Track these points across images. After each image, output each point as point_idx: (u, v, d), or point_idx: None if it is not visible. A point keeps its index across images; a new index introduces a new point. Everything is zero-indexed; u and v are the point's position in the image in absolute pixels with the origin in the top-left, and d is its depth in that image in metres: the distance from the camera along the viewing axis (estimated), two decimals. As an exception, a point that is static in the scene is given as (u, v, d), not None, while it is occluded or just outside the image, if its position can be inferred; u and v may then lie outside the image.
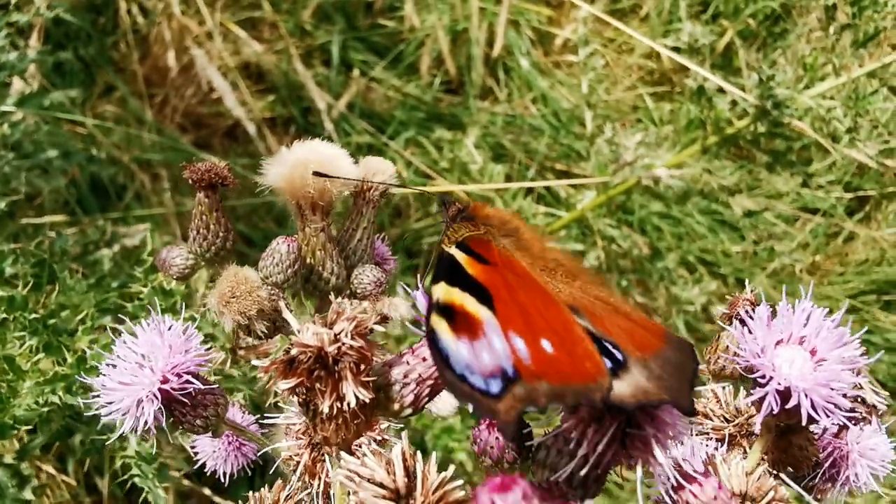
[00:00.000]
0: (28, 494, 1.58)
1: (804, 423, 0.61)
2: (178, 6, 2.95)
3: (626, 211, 3.08)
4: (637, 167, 2.37)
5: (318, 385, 0.59)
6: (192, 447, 1.01)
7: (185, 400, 0.73)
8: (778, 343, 0.62)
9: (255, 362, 0.80)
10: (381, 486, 0.55)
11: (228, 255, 0.85)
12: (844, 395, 0.60)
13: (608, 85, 3.31)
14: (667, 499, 0.59)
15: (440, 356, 0.52)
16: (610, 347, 0.54)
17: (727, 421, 0.86)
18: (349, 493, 0.57)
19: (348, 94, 3.03)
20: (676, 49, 2.75)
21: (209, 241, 0.83)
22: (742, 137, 2.58)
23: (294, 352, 0.58)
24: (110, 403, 0.73)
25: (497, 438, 0.66)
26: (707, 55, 3.08)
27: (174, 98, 3.08)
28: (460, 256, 0.59)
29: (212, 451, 0.98)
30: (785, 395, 0.62)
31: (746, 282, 0.88)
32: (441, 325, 0.53)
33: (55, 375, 1.19)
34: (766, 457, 0.75)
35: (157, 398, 0.71)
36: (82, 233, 2.05)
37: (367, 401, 0.59)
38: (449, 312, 0.53)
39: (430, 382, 0.62)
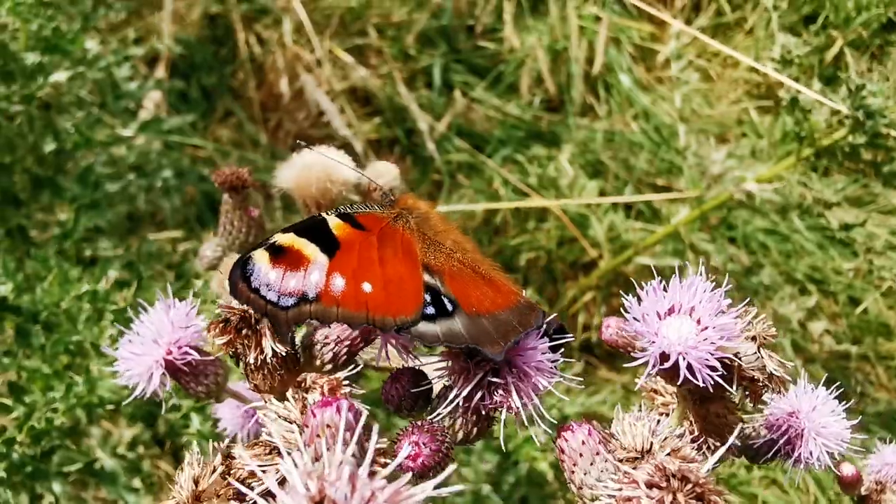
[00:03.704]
0: (137, 483, 1.87)
1: (679, 382, 0.76)
2: (291, 36, 3.55)
3: (729, 227, 3.41)
4: (726, 181, 2.72)
5: (245, 341, 0.83)
6: (215, 413, 1.23)
7: (186, 369, 0.94)
8: (670, 312, 0.79)
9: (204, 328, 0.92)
10: (287, 420, 0.74)
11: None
12: (720, 360, 0.76)
13: (713, 99, 3.67)
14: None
15: (242, 274, 0.77)
16: (446, 301, 0.78)
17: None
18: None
19: (449, 115, 3.54)
20: (788, 62, 3.07)
21: (233, 236, 1.05)
22: (840, 150, 2.85)
23: (225, 314, 0.81)
24: (127, 370, 0.96)
25: (397, 389, 0.84)
26: (816, 66, 3.40)
27: (287, 122, 3.68)
28: (333, 221, 0.83)
29: (230, 418, 1.18)
30: (665, 358, 0.77)
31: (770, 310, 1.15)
32: (261, 256, 0.78)
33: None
34: (691, 426, 0.89)
35: (161, 366, 0.94)
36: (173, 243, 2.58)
37: (283, 353, 0.83)
38: (279, 250, 0.78)
39: (347, 343, 0.86)
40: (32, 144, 2.21)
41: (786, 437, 0.97)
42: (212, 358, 0.95)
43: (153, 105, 3.25)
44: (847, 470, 1.18)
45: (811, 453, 0.96)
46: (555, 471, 2.48)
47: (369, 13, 3.70)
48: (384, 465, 0.41)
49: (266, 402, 0.82)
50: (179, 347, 0.94)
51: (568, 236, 3.26)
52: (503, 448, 0.80)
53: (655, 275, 0.87)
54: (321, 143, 3.80)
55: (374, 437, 0.44)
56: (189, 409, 1.52)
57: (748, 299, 0.87)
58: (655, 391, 0.99)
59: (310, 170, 0.97)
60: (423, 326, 0.77)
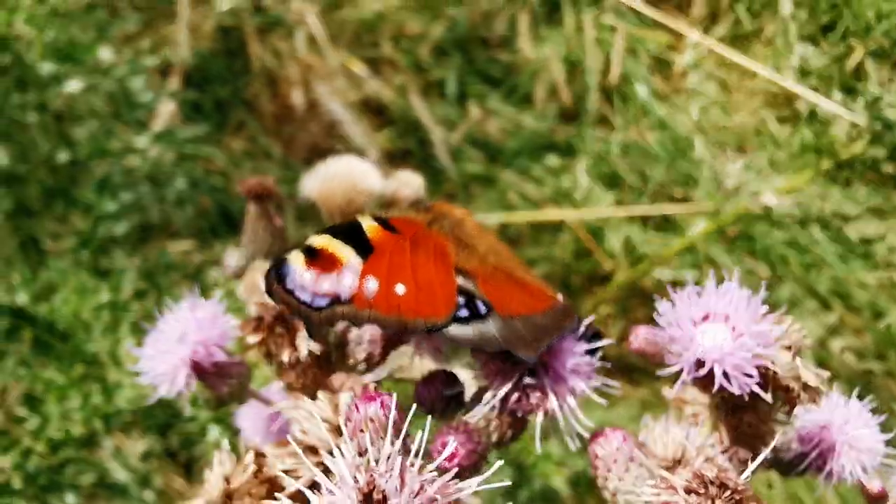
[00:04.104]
0: (149, 496, 1.98)
1: (714, 389, 0.76)
2: (304, 48, 3.58)
3: (748, 239, 3.40)
4: (742, 193, 2.72)
5: (279, 339, 0.85)
6: (237, 422, 1.24)
7: (212, 369, 0.94)
8: (704, 319, 0.79)
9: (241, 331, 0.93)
10: (322, 419, 0.73)
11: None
12: (757, 367, 0.76)
13: (730, 109, 3.66)
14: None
15: (277, 275, 0.79)
16: (479, 304, 0.79)
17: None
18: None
19: (464, 126, 3.55)
20: (807, 72, 3.07)
21: (257, 245, 1.06)
22: (861, 162, 2.85)
23: (259, 312, 0.83)
24: (151, 370, 0.95)
25: (430, 391, 0.86)
26: (836, 76, 3.40)
27: (300, 133, 3.70)
28: (367, 224, 0.85)
29: (252, 426, 1.19)
30: (700, 365, 0.77)
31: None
32: (296, 257, 0.80)
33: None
34: (723, 436, 0.88)
35: (187, 366, 0.93)
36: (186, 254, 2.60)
37: (318, 352, 0.85)
38: (313, 252, 0.80)
39: (382, 343, 0.88)
40: (46, 154, 2.23)
41: (818, 450, 0.96)
42: (237, 359, 0.95)
43: (167, 116, 3.28)
44: (874, 486, 1.17)
45: (843, 467, 0.95)
46: (570, 487, 2.47)
47: (383, 25, 3.72)
48: (423, 466, 0.42)
49: (297, 401, 0.82)
50: (206, 347, 0.94)
51: (584, 249, 3.26)
52: (537, 448, 0.80)
53: (672, 287, 0.88)
54: (334, 154, 3.82)
55: (423, 433, 0.45)
56: (208, 420, 1.52)
57: (783, 309, 0.86)
58: (684, 401, 0.99)
59: (334, 180, 0.99)
60: (456, 329, 0.78)
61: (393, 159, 3.71)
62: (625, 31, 3.54)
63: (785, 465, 1.00)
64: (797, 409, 0.93)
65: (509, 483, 0.61)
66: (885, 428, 1.02)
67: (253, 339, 0.86)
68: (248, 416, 1.15)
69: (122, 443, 2.08)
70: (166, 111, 3.25)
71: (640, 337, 0.88)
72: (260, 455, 0.68)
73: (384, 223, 0.87)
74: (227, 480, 0.63)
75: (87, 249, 1.64)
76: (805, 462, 0.97)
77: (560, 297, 0.86)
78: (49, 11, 2.13)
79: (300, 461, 0.65)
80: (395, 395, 0.65)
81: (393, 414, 0.56)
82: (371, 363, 0.89)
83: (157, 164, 2.60)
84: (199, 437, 1.56)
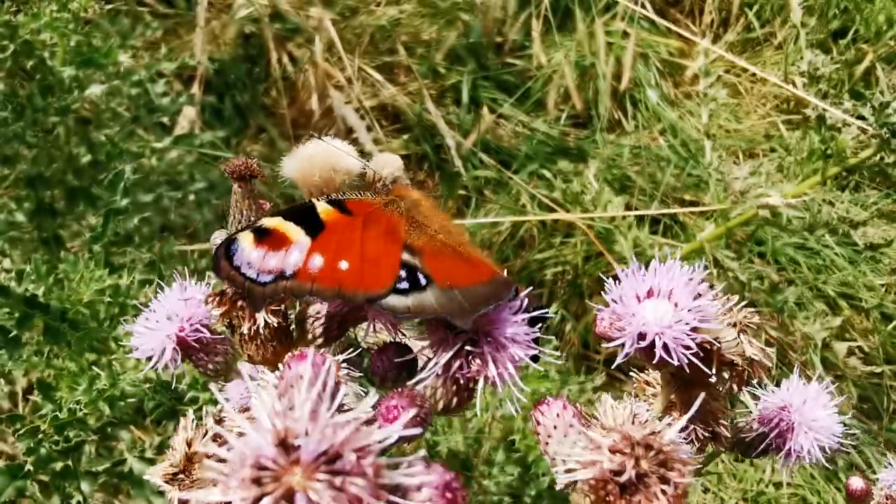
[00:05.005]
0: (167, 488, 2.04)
1: (655, 361, 0.79)
2: (322, 54, 3.63)
3: (758, 243, 3.40)
4: (750, 197, 2.72)
5: (240, 312, 0.88)
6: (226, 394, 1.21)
7: (198, 346, 0.99)
8: (648, 295, 0.82)
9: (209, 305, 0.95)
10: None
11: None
12: (700, 344, 0.78)
13: (741, 114, 3.67)
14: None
15: (225, 253, 0.81)
16: (420, 276, 0.82)
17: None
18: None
19: (477, 132, 3.58)
20: (816, 78, 3.07)
21: (242, 224, 1.06)
22: (868, 168, 2.85)
23: (224, 286, 0.86)
24: (142, 344, 1.01)
25: (382, 360, 0.88)
26: (846, 81, 3.40)
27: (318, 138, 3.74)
28: (321, 207, 0.88)
29: (237, 398, 1.18)
30: (643, 338, 0.80)
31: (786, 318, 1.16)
32: (245, 236, 0.83)
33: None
34: (678, 414, 0.90)
35: (173, 341, 0.98)
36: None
37: (275, 325, 0.88)
38: (265, 232, 0.83)
39: (338, 319, 0.90)
40: (68, 156, 2.29)
41: (777, 430, 0.98)
42: (221, 337, 1.00)
43: (187, 121, 3.34)
44: (855, 484, 1.17)
45: (801, 447, 0.97)
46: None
47: (399, 31, 3.76)
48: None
49: (258, 373, 0.86)
50: (192, 325, 0.99)
51: (594, 251, 3.27)
52: (477, 412, 0.81)
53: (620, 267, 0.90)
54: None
55: (342, 390, 0.47)
56: (206, 402, 1.56)
57: (779, 311, 0.88)
58: (648, 383, 1.02)
59: (313, 159, 0.99)
60: (394, 299, 0.81)
61: (409, 164, 3.74)
62: (636, 37, 3.55)
63: (746, 446, 1.02)
64: (759, 391, 0.95)
65: (419, 432, 0.63)
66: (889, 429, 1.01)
67: (217, 311, 0.89)
68: (234, 392, 1.18)
69: (139, 436, 2.13)
70: (187, 116, 3.31)
71: (605, 321, 0.91)
72: (220, 421, 0.71)
73: (339, 205, 0.90)
74: (188, 444, 0.67)
75: (100, 242, 1.68)
76: (765, 442, 0.99)
77: (503, 272, 0.89)
78: (71, 17, 2.19)
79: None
80: (330, 358, 0.68)
81: (314, 367, 0.58)
82: (328, 338, 0.91)
83: (175, 166, 2.65)
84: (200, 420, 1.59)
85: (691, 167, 3.45)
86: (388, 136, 3.65)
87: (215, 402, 1.53)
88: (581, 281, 3.32)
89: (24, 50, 2.17)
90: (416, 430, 0.48)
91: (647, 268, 0.85)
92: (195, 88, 3.63)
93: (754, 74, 3.63)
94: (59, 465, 1.56)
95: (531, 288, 0.86)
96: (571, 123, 3.68)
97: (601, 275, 0.89)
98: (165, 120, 2.74)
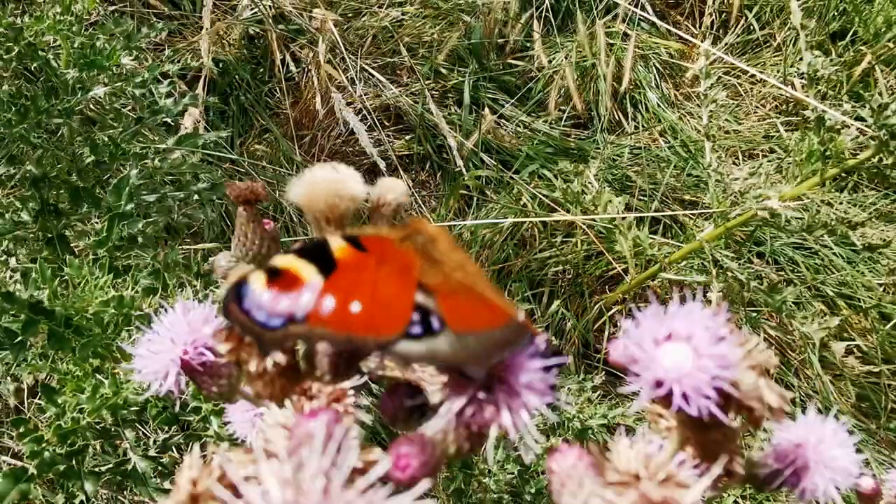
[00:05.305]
0: (168, 485, 1.96)
1: (673, 409, 0.75)
2: (325, 56, 3.64)
3: (757, 243, 3.41)
4: (749, 198, 2.73)
5: (247, 349, 0.85)
6: (226, 417, 1.22)
7: (201, 369, 0.95)
8: (667, 338, 0.77)
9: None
10: (284, 427, 0.73)
11: (265, 258, 1.01)
12: (717, 389, 0.73)
13: (741, 115, 3.67)
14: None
15: (235, 296, 0.78)
16: (434, 320, 0.78)
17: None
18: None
19: (478, 132, 3.59)
20: (815, 79, 3.07)
21: (247, 248, 1.04)
22: (867, 170, 2.85)
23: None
24: (144, 368, 0.98)
25: (392, 401, 0.84)
26: (844, 82, 3.40)
27: (321, 139, 3.75)
28: (335, 243, 0.84)
29: (240, 421, 1.18)
30: (660, 385, 0.75)
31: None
32: (256, 277, 0.78)
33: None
34: (693, 452, 0.86)
35: (177, 365, 0.95)
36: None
37: (284, 364, 0.86)
38: (276, 273, 0.79)
39: (346, 356, 0.87)
40: (72, 157, 2.29)
41: (792, 467, 0.95)
42: (225, 360, 0.95)
43: (191, 122, 3.35)
44: (866, 483, 1.17)
45: (817, 485, 0.93)
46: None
47: (401, 33, 3.77)
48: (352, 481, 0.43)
49: (267, 408, 0.85)
50: (196, 348, 0.96)
51: (595, 250, 3.28)
52: (489, 461, 0.80)
53: (637, 307, 0.88)
54: (353, 159, 3.89)
55: (354, 449, 0.46)
56: (209, 412, 1.56)
57: (738, 321, 0.88)
58: (660, 415, 0.97)
59: (318, 185, 0.95)
60: (405, 346, 0.77)
61: (411, 164, 3.76)
62: (637, 38, 3.56)
63: (760, 482, 1.00)
64: (773, 426, 0.93)
65: None
66: (887, 428, 1.01)
67: (223, 348, 0.86)
68: (238, 413, 1.18)
69: (143, 434, 2.13)
70: (191, 116, 3.32)
71: (619, 350, 0.89)
72: (229, 460, 0.70)
73: (354, 241, 0.86)
74: (193, 483, 0.66)
75: (105, 247, 1.68)
76: (779, 479, 0.95)
77: (521, 314, 0.86)
78: (74, 19, 2.20)
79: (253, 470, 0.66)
80: (342, 414, 0.66)
81: (325, 428, 0.57)
82: (336, 375, 0.90)
83: (179, 167, 2.65)
84: (203, 429, 1.60)
85: (691, 168, 3.45)
86: (390, 136, 3.66)
87: (218, 414, 1.54)
88: (581, 280, 3.33)
89: (28, 52, 2.17)
90: (429, 503, 0.47)
91: (665, 307, 0.82)
92: (199, 89, 3.64)
93: (754, 76, 3.64)
94: (62, 467, 1.57)
95: (549, 337, 0.83)
96: (572, 124, 3.69)
97: (622, 307, 0.87)
98: (169, 120, 2.75)
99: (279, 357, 0.85)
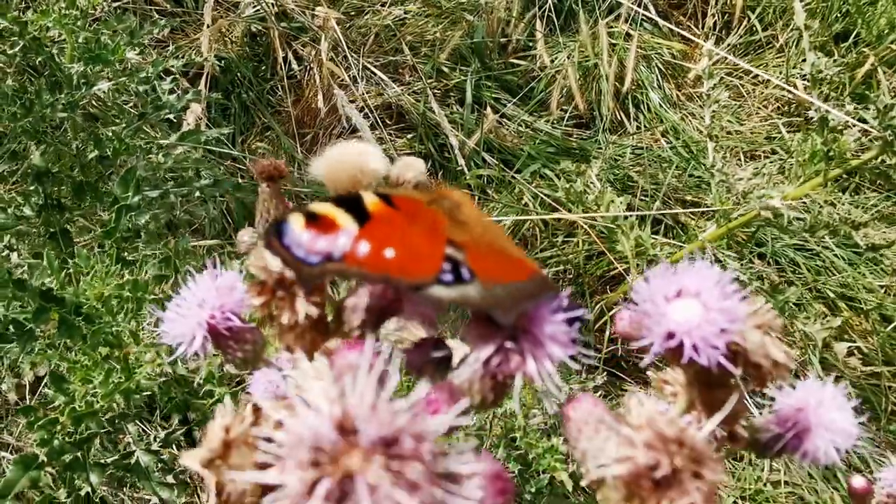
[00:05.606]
0: (170, 479, 1.89)
1: (683, 361, 0.78)
2: (327, 54, 3.63)
3: (758, 244, 3.41)
4: (752, 198, 2.73)
5: (279, 302, 0.88)
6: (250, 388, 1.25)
7: (228, 334, 0.98)
8: (677, 295, 0.80)
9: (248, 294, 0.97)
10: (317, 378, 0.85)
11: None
12: (727, 344, 0.76)
13: (743, 116, 3.67)
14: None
15: (276, 232, 0.82)
16: (464, 270, 0.82)
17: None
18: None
19: (480, 131, 3.58)
20: (817, 80, 3.07)
21: (269, 223, 1.00)
22: (870, 170, 2.85)
23: (263, 276, 0.87)
24: (171, 330, 0.99)
25: (419, 354, 0.88)
26: (847, 84, 3.40)
27: (322, 137, 3.74)
28: (369, 198, 0.88)
29: (263, 391, 1.21)
30: (671, 337, 0.78)
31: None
32: (296, 218, 0.82)
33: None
34: (700, 414, 0.88)
35: (204, 328, 0.97)
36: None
37: (315, 316, 0.88)
38: (314, 217, 0.83)
39: (376, 311, 0.90)
40: (76, 152, 2.28)
41: (793, 431, 0.96)
42: (251, 325, 0.99)
43: (194, 118, 3.34)
44: (857, 482, 1.17)
45: (818, 447, 0.95)
46: (574, 482, 2.49)
47: (404, 31, 3.76)
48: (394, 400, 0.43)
49: (296, 361, 0.85)
50: (223, 312, 0.98)
51: (596, 250, 3.27)
52: (515, 406, 0.80)
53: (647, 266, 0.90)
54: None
55: (396, 373, 0.46)
56: (223, 394, 1.56)
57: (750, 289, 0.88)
58: (666, 381, 1.00)
59: (342, 161, 0.98)
60: (439, 290, 0.81)
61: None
62: (639, 39, 3.55)
63: (762, 446, 1.00)
64: (775, 392, 0.94)
65: (471, 421, 0.62)
66: (887, 430, 1.00)
67: (257, 301, 0.88)
68: (260, 382, 1.19)
69: (145, 429, 2.13)
70: (194, 113, 3.31)
71: (625, 321, 0.90)
72: (257, 409, 0.70)
73: (386, 199, 0.90)
74: (226, 430, 0.66)
75: (112, 238, 1.67)
76: (781, 442, 0.97)
77: (543, 271, 0.88)
78: (79, 13, 2.18)
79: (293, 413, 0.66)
80: (383, 345, 0.67)
81: (369, 355, 0.58)
82: (365, 329, 0.90)
83: (180, 162, 2.65)
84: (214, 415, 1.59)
85: (693, 168, 3.45)
86: (392, 135, 3.65)
87: (233, 396, 1.53)
88: (583, 280, 3.33)
89: (32, 46, 2.16)
90: (468, 419, 0.48)
91: (675, 267, 0.84)
92: (202, 86, 3.63)
93: (756, 77, 3.64)
94: (69, 457, 1.55)
95: (570, 291, 0.85)
96: (574, 124, 3.68)
97: (625, 276, 0.87)
98: (172, 117, 2.74)
99: (311, 310, 0.87)
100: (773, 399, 1.02)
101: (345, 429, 0.40)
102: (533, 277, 0.85)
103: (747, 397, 0.93)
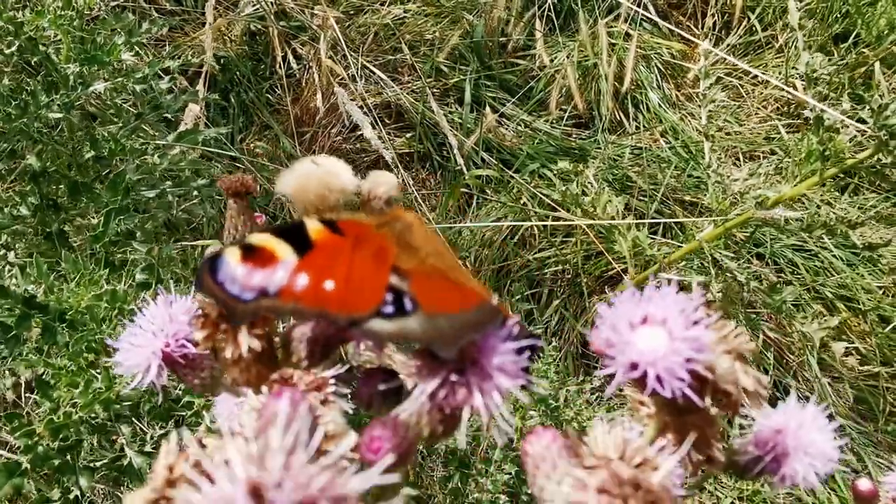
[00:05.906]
0: None
1: (647, 392, 0.76)
2: (326, 53, 3.62)
3: (756, 244, 3.39)
4: (749, 199, 2.71)
5: (223, 335, 0.86)
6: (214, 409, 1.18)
7: (183, 362, 0.96)
8: (643, 322, 0.78)
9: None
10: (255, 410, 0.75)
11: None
12: (692, 371, 0.75)
13: (742, 116, 3.65)
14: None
15: (210, 268, 0.79)
16: (406, 301, 0.79)
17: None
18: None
19: (479, 131, 3.57)
20: (814, 80, 3.05)
21: (237, 240, 1.01)
22: (867, 170, 2.83)
23: (205, 308, 0.86)
24: (126, 360, 0.97)
25: (367, 386, 0.85)
26: (846, 84, 3.38)
27: (321, 136, 3.74)
28: (312, 225, 0.85)
29: (226, 414, 1.15)
30: (634, 367, 0.76)
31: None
32: (232, 252, 0.80)
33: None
34: (670, 436, 0.87)
35: (158, 357, 0.95)
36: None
37: (259, 349, 0.86)
38: (251, 249, 0.80)
39: (322, 341, 0.88)
40: (72, 152, 2.28)
41: (773, 454, 0.95)
42: (207, 352, 0.95)
43: (192, 118, 3.33)
44: (863, 485, 1.16)
45: (796, 471, 0.93)
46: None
47: (403, 30, 3.75)
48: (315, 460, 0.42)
49: (241, 396, 0.85)
50: (177, 340, 0.95)
51: (594, 250, 3.26)
52: (461, 444, 0.79)
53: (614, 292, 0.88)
54: (354, 156, 3.87)
55: (320, 427, 0.46)
56: (201, 407, 1.55)
57: (722, 316, 0.87)
58: (642, 402, 0.98)
59: (308, 178, 0.96)
60: (377, 323, 0.78)
61: (412, 162, 3.74)
62: (639, 39, 3.53)
63: (741, 468, 0.99)
64: (755, 413, 0.93)
65: (398, 479, 0.61)
66: (885, 432, 0.99)
67: (199, 334, 0.86)
68: (224, 404, 1.17)
69: (139, 429, 2.13)
70: (192, 112, 3.31)
71: (601, 338, 0.89)
72: (203, 445, 0.70)
73: (331, 225, 0.87)
74: (170, 469, 0.66)
75: (101, 242, 1.67)
76: (760, 465, 0.95)
77: (493, 298, 0.85)
78: (75, 14, 2.18)
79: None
80: (328, 394, 0.65)
81: (287, 408, 0.56)
82: (313, 360, 0.89)
83: (178, 163, 2.64)
84: (195, 424, 1.59)
85: (692, 168, 3.43)
86: (390, 134, 3.64)
87: (210, 408, 1.53)
88: (581, 280, 3.32)
89: (28, 46, 2.16)
90: (394, 478, 0.46)
91: (641, 292, 0.82)
92: (200, 85, 3.62)
93: (756, 77, 3.62)
94: (56, 462, 1.55)
95: (518, 319, 0.83)
96: (573, 124, 3.67)
97: (599, 290, 0.86)
98: (170, 116, 2.74)
99: (254, 343, 0.85)
100: (753, 419, 1.01)
101: (258, 495, 0.40)
102: (481, 306, 0.82)
103: (721, 422, 0.92)
